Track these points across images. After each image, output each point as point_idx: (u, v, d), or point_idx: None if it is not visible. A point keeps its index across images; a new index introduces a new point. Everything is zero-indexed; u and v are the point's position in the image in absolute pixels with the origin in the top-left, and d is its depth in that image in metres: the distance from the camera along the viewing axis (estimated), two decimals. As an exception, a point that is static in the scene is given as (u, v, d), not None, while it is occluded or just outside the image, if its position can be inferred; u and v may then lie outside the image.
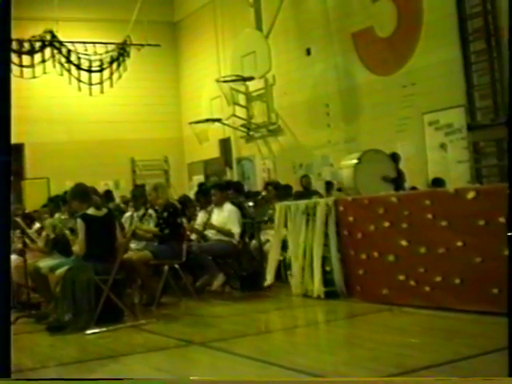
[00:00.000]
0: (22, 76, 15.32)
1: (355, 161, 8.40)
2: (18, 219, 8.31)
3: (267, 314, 7.51)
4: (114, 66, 16.74)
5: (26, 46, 15.69)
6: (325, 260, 7.51)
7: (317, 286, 7.49)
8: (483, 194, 6.04)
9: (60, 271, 6.87)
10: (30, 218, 10.34)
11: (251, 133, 16.58)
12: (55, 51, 16.02)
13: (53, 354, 5.76)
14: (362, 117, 13.49)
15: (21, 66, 15.52)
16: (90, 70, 16.49)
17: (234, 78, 15.78)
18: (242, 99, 16.53)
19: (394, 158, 9.63)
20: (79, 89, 16.41)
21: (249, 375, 4.55)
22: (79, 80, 16.38)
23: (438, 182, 10.19)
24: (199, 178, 18.18)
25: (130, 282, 7.77)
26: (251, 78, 15.67)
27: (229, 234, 8.59)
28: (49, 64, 15.99)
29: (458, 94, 11.30)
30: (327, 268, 7.49)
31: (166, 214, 8.20)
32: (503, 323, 3.85)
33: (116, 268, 6.77)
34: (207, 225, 8.76)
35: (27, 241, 8.16)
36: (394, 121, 12.63)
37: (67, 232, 7.41)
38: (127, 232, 7.89)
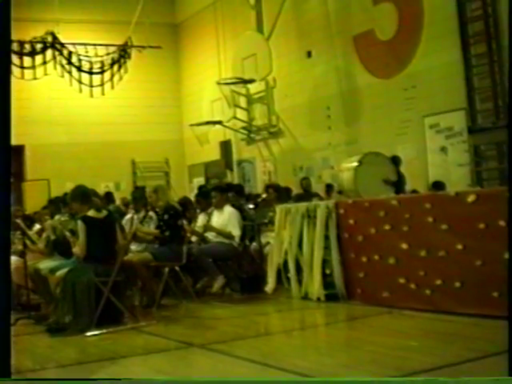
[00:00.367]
0: (22, 77, 15.31)
1: (356, 163, 8.38)
2: (19, 221, 8.30)
3: (267, 316, 7.52)
4: (115, 67, 16.71)
5: (27, 47, 15.67)
6: (325, 262, 7.50)
7: (317, 289, 7.49)
8: (484, 197, 6.04)
9: (60, 273, 6.88)
10: (30, 220, 10.30)
11: (252, 135, 16.60)
12: (56, 53, 16.00)
13: (53, 355, 5.75)
14: (363, 119, 13.49)
15: (22, 67, 15.51)
16: (90, 72, 16.47)
17: (234, 80, 15.81)
18: (242, 101, 16.56)
19: (395, 160, 9.63)
20: (80, 90, 16.37)
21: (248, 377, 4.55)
22: (80, 82, 16.35)
23: (438, 185, 10.17)
24: (200, 180, 18.20)
25: (131, 284, 7.75)
26: (252, 81, 15.70)
27: (229, 236, 8.59)
28: (50, 65, 15.96)
29: (459, 97, 11.31)
30: (327, 271, 7.48)
31: (166, 216, 8.21)
32: (503, 326, 3.85)
33: (116, 270, 6.76)
34: (206, 226, 8.76)
35: (27, 242, 8.16)
36: (395, 123, 12.64)
37: (67, 234, 7.41)
38: (128, 234, 7.88)
